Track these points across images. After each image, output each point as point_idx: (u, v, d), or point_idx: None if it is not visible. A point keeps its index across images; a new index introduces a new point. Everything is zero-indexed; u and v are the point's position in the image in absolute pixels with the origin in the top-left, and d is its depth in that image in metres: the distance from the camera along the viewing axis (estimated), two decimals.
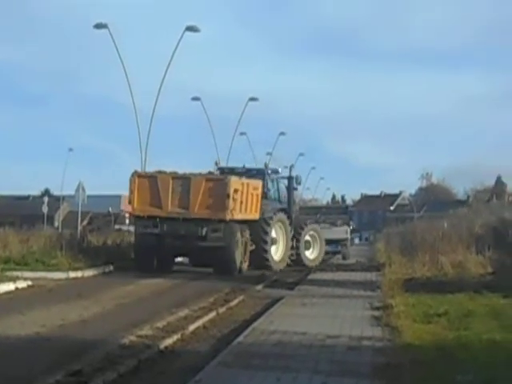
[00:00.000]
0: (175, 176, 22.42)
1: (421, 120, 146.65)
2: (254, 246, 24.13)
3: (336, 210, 41.78)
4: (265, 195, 25.43)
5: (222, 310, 13.55)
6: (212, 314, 12.84)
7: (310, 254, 28.34)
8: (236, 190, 22.11)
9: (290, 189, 27.73)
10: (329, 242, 30.46)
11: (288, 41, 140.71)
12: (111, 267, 22.17)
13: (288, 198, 27.52)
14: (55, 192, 77.72)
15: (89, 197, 28.25)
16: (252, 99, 42.49)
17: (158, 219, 21.91)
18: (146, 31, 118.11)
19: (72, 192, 29.43)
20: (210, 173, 24.13)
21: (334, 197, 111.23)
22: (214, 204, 21.83)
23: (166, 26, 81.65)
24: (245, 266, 23.22)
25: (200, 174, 22.94)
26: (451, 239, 25.12)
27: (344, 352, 9.24)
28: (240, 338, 10.04)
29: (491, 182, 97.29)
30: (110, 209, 68.66)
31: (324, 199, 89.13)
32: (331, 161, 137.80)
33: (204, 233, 21.80)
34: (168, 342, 10.00)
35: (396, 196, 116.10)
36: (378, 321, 11.78)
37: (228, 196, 21.67)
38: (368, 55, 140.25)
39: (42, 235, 26.47)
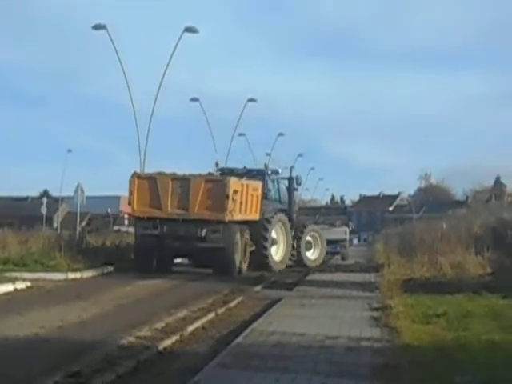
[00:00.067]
0: (175, 177, 22.45)
1: (420, 120, 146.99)
2: (253, 247, 24.16)
3: (335, 211, 41.80)
4: (265, 196, 25.47)
5: (220, 310, 13.56)
6: (211, 315, 12.84)
7: (311, 255, 28.38)
8: (235, 191, 22.13)
9: (291, 189, 27.78)
10: (328, 242, 30.45)
11: (287, 41, 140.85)
12: (110, 268, 22.17)
13: (288, 198, 27.56)
14: (54, 193, 77.78)
15: (88, 198, 28.25)
16: (251, 100, 42.53)
17: (157, 220, 21.94)
18: (145, 32, 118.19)
19: (71, 193, 29.46)
20: (209, 174, 24.15)
21: (333, 197, 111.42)
22: (214, 205, 21.84)
23: (165, 26, 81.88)
24: (244, 266, 23.25)
25: (199, 175, 22.95)
26: (450, 240, 25.12)
27: (343, 353, 9.24)
28: (239, 339, 10.04)
29: (490, 183, 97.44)
30: (109, 210, 68.58)
31: (323, 200, 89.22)
32: (330, 161, 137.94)
33: (203, 234, 21.82)
34: (167, 342, 10.00)
35: (395, 197, 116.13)
36: (377, 321, 11.78)
37: (227, 197, 21.68)
38: (368, 55, 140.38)
39: (41, 236, 26.44)
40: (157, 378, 8.26)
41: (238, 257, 22.28)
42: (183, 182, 22.21)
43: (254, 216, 24.05)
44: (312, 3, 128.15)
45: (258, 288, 18.58)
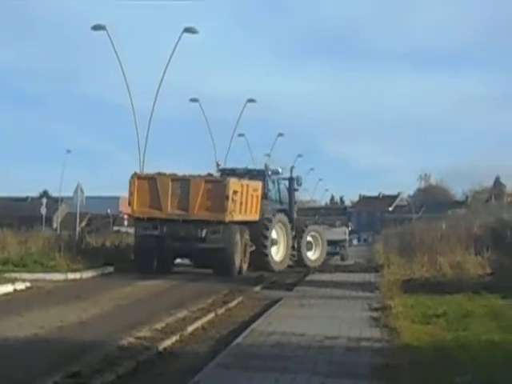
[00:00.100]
0: (174, 178, 22.46)
1: (420, 120, 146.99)
2: (254, 247, 24.18)
3: (335, 211, 41.84)
4: (265, 196, 25.49)
5: (220, 311, 13.56)
6: (211, 316, 12.84)
7: (312, 255, 28.40)
8: (235, 192, 22.14)
9: (291, 190, 27.81)
10: (327, 243, 30.46)
11: (287, 42, 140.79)
12: (110, 269, 22.17)
13: (289, 198, 27.59)
14: (53, 193, 77.87)
15: (87, 198, 28.24)
16: (250, 100, 42.49)
17: (157, 221, 21.95)
18: (144, 32, 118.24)
19: (70, 193, 29.45)
20: (209, 174, 24.17)
21: (332, 198, 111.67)
22: (214, 206, 21.85)
23: (165, 27, 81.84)
24: (245, 267, 23.27)
25: (199, 176, 22.95)
26: (450, 240, 25.13)
27: (342, 353, 9.24)
28: (239, 339, 10.05)
29: (490, 183, 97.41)
30: (109, 210, 68.63)
31: (322, 200, 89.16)
32: (330, 162, 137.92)
33: (203, 234, 21.83)
34: (167, 343, 10.01)
35: (394, 197, 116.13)
36: (377, 322, 11.78)
37: (227, 198, 21.69)
38: (368, 55, 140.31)
39: (41, 237, 26.44)
40: (157, 379, 8.26)
41: (237, 257, 22.29)
42: (183, 182, 22.22)
43: (254, 216, 24.07)
44: (312, 3, 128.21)
45: (258, 288, 18.58)
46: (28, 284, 17.01)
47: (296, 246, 27.19)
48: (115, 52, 29.63)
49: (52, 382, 7.58)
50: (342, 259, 34.94)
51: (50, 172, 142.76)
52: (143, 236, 22.35)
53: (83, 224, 50.96)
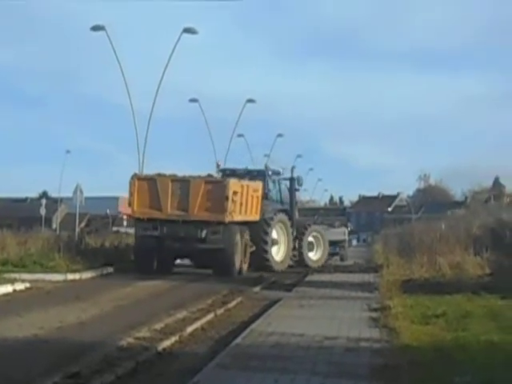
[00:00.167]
0: (174, 178, 22.47)
1: (420, 120, 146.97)
2: (254, 248, 24.19)
3: (334, 212, 41.87)
4: (266, 196, 25.50)
5: (219, 311, 13.56)
6: (210, 316, 12.84)
7: (314, 255, 28.42)
8: (235, 192, 22.16)
9: (292, 190, 27.84)
10: None
11: (287, 42, 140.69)
12: (110, 269, 22.17)
13: (290, 199, 27.62)
14: (53, 194, 77.95)
15: (86, 199, 28.24)
16: (250, 101, 42.47)
17: (157, 221, 21.96)
18: (144, 33, 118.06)
19: (70, 194, 29.45)
20: (209, 175, 24.18)
21: (331, 198, 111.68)
22: (213, 206, 21.87)
23: (164, 27, 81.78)
24: (245, 267, 23.29)
25: (199, 177, 22.95)
26: (449, 240, 25.14)
27: (342, 353, 9.25)
28: (238, 340, 10.05)
29: (489, 183, 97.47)
30: (108, 211, 68.61)
31: (322, 201, 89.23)
32: (329, 162, 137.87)
33: (203, 235, 21.85)
34: (166, 343, 10.01)
35: (394, 197, 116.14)
36: (376, 322, 11.78)
37: (227, 198, 21.70)
38: (368, 55, 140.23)
39: (40, 237, 26.46)
40: (156, 379, 8.26)
41: (238, 258, 22.31)
42: (183, 183, 22.24)
43: (255, 217, 24.09)
44: (312, 3, 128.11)
45: (257, 289, 18.58)
46: (27, 284, 17.01)
47: (297, 246, 27.22)
48: (114, 52, 29.67)
49: (51, 382, 7.59)
50: (342, 259, 34.93)
51: (50, 172, 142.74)
52: (143, 236, 22.37)
53: (82, 224, 50.94)
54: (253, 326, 11.41)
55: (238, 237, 22.44)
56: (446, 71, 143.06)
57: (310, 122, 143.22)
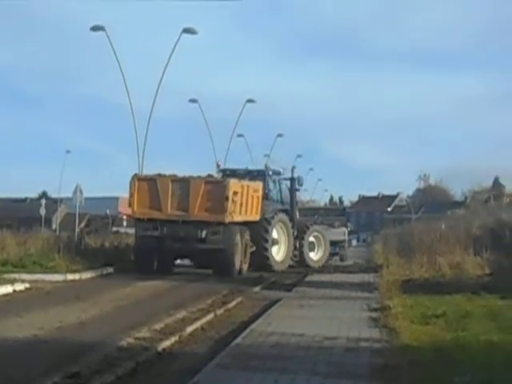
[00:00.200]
0: (174, 179, 22.48)
1: (420, 120, 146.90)
2: (254, 248, 24.20)
3: (334, 212, 41.90)
4: (266, 196, 25.51)
5: (219, 311, 13.56)
6: (210, 316, 12.84)
7: (315, 255, 28.44)
8: (235, 193, 22.16)
9: (292, 190, 27.85)
10: None
11: (287, 42, 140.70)
12: (109, 269, 22.18)
13: (290, 199, 27.63)
14: (53, 194, 77.93)
15: (86, 199, 28.23)
16: (250, 101, 42.46)
17: (157, 222, 21.98)
18: (143, 33, 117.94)
19: (69, 194, 29.45)
20: (209, 175, 24.20)
21: (331, 198, 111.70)
22: (214, 206, 21.88)
23: (164, 27, 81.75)
24: (245, 267, 23.30)
25: (199, 177, 22.96)
26: (449, 240, 25.15)
27: (342, 353, 9.25)
28: (238, 340, 10.05)
29: (489, 183, 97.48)
30: (108, 211, 68.57)
31: (322, 201, 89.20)
32: (329, 162, 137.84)
33: (203, 235, 21.85)
34: (166, 343, 10.01)
35: (394, 197, 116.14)
36: (376, 322, 11.78)
37: (227, 198, 21.70)
38: (368, 55, 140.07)
39: (40, 237, 26.46)
40: (156, 379, 8.26)
41: (238, 258, 22.32)
42: (183, 183, 22.25)
43: (255, 217, 24.10)
44: (312, 3, 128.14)
45: (257, 289, 18.59)
46: (27, 285, 17.01)
47: (298, 246, 27.23)
48: (114, 52, 29.65)
49: (51, 382, 7.59)
50: (341, 260, 34.94)
51: (50, 172, 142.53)
52: (143, 237, 22.38)
53: (82, 225, 50.90)
54: (253, 326, 11.41)
55: (238, 237, 22.45)
56: (445, 71, 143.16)
57: (309, 121, 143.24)
